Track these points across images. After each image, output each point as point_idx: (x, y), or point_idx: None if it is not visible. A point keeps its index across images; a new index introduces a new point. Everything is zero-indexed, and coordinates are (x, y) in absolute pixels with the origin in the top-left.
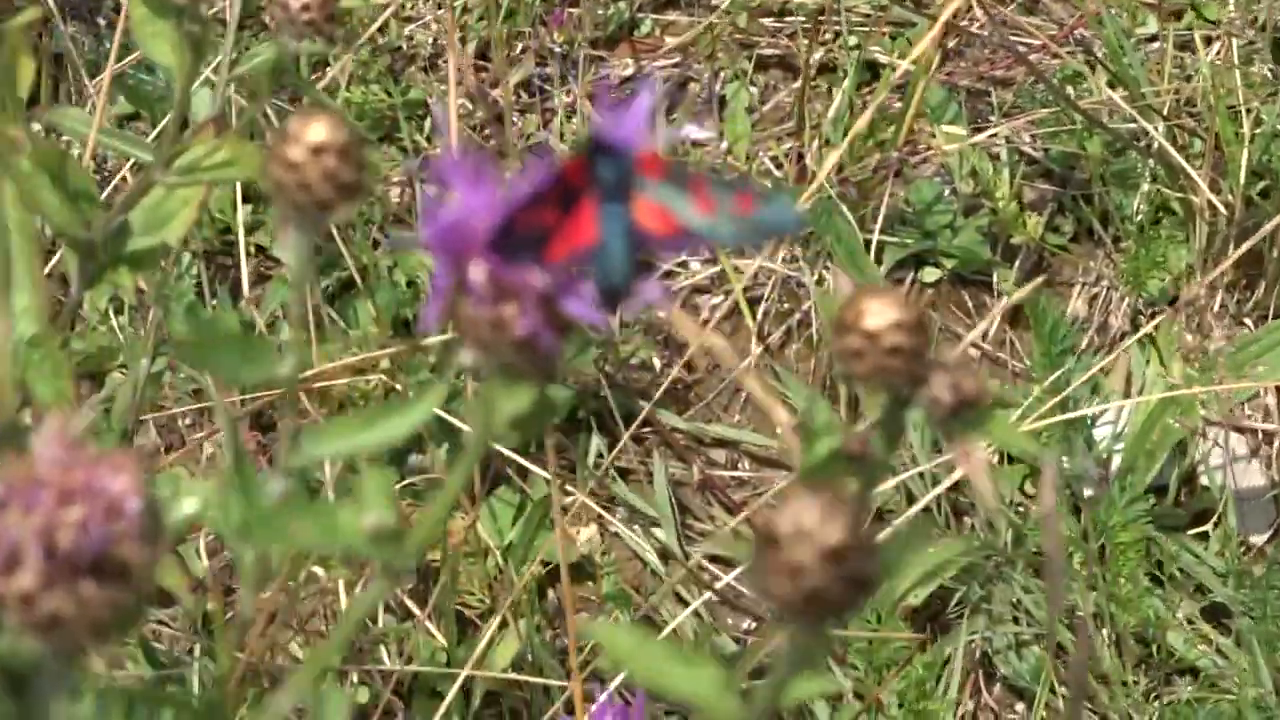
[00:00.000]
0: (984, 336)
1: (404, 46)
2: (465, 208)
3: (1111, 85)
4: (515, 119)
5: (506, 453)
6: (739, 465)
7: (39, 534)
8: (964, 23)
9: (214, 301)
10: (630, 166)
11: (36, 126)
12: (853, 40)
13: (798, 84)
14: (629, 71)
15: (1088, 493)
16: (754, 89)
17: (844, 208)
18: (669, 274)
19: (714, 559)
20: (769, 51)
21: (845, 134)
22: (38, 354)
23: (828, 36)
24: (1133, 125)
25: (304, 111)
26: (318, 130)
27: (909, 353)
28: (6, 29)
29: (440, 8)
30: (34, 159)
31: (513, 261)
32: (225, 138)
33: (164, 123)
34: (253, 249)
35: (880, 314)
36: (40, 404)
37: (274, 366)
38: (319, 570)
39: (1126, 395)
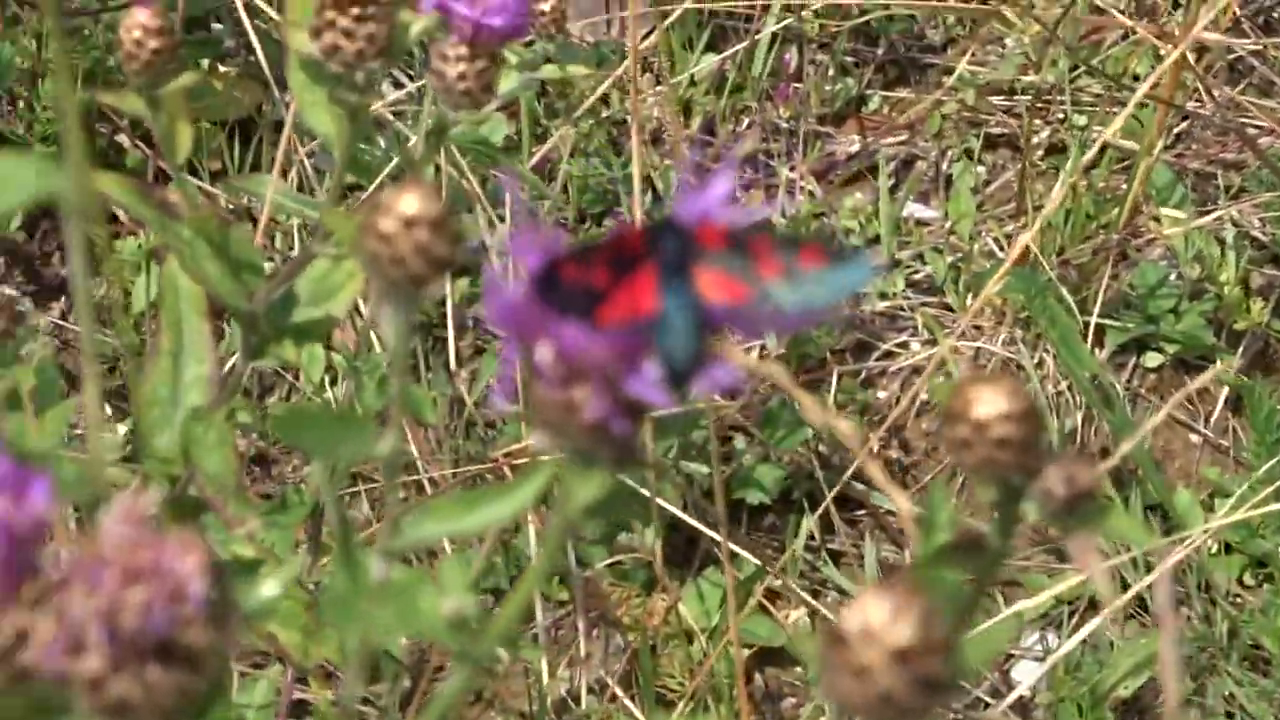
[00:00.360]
0: (1206, 423)
1: (626, 120)
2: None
3: None
4: (740, 194)
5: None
6: None
7: (102, 615)
8: (1195, 104)
9: (428, 375)
10: (691, 238)
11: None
12: (1081, 120)
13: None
14: (855, 148)
15: None
16: (981, 168)
17: (1064, 290)
18: (888, 355)
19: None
20: (997, 130)
21: (1067, 216)
22: (201, 426)
23: (1058, 116)
24: None
25: (400, 183)
26: (410, 202)
27: (1018, 444)
28: (164, 95)
29: (659, 82)
30: (193, 226)
31: (559, 314)
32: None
33: (331, 192)
34: (471, 320)
35: (989, 403)
36: (206, 477)
37: (372, 445)
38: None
39: None
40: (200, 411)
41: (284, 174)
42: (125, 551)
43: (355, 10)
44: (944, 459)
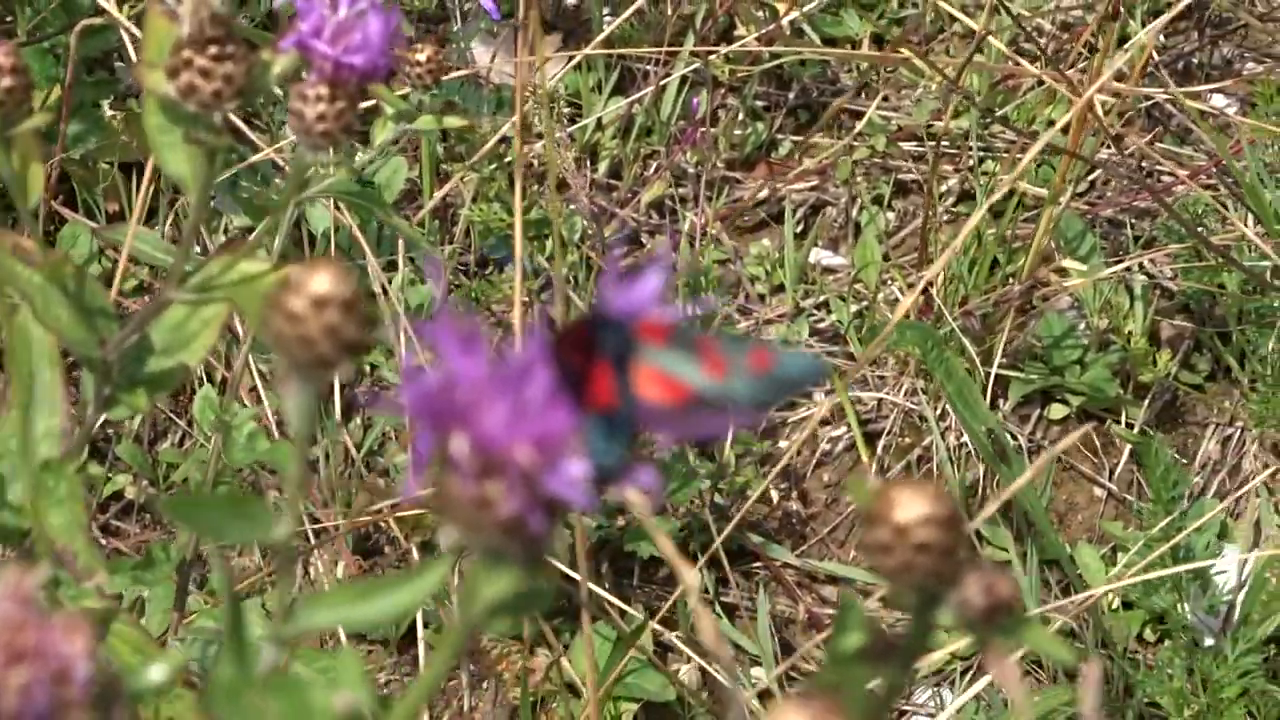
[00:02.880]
0: (1110, 476)
1: (534, 164)
2: (451, 374)
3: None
4: (645, 239)
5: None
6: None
7: None
8: (1109, 152)
9: (323, 424)
10: (629, 334)
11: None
12: (993, 167)
13: (940, 211)
14: (763, 194)
15: (1208, 641)
16: (890, 214)
17: (966, 341)
18: (791, 404)
19: None
20: (909, 177)
21: (972, 265)
22: (51, 479)
23: (968, 164)
24: (1268, 264)
25: (310, 261)
26: (321, 281)
27: (939, 550)
28: (17, 135)
29: (573, 122)
30: (46, 273)
31: (563, 389)
32: (240, 254)
33: (184, 236)
34: (368, 367)
35: (910, 507)
36: (50, 533)
37: (267, 529)
38: None
39: (1255, 543)
40: (51, 464)
41: (153, 217)
42: (8, 631)
43: (213, 50)
44: (843, 511)
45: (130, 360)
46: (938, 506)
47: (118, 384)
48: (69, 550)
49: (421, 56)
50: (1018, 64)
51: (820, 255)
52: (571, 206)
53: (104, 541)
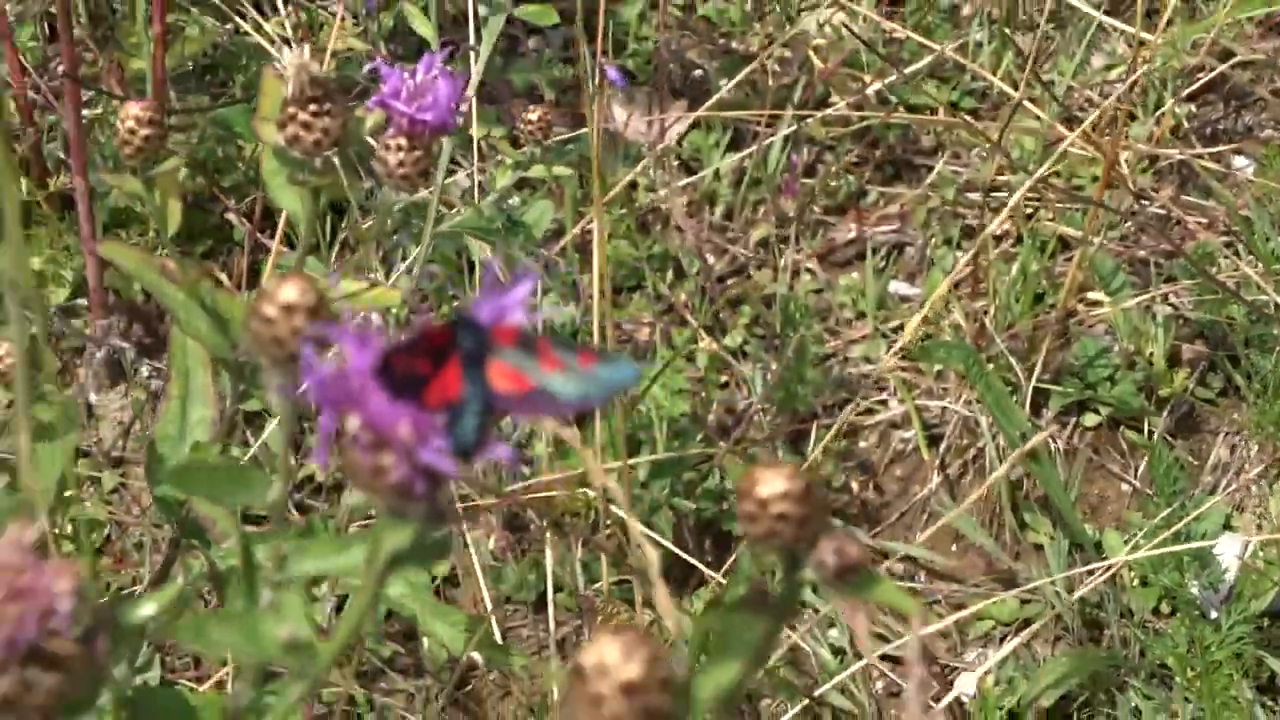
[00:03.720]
0: (1134, 474)
1: (659, 208)
2: (348, 364)
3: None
4: (752, 271)
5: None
6: (915, 578)
7: None
8: (1144, 203)
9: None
10: (486, 337)
11: None
12: (1044, 215)
13: (998, 251)
14: (852, 235)
15: (1213, 615)
16: (958, 253)
17: (1013, 360)
18: (869, 410)
19: (883, 658)
20: (974, 222)
21: (1018, 298)
22: (201, 458)
23: (1026, 211)
24: (1266, 298)
25: (282, 275)
26: (289, 291)
27: (796, 519)
28: (157, 175)
29: (693, 173)
30: (187, 290)
31: (396, 398)
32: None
33: (298, 258)
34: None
35: (770, 484)
36: (197, 503)
37: (262, 494)
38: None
39: (1259, 530)
40: (200, 446)
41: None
42: (8, 575)
43: (313, 107)
44: (911, 500)
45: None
46: (794, 483)
47: (250, 382)
48: (209, 518)
49: (533, 116)
50: (1058, 129)
51: (897, 287)
52: (687, 244)
53: (298, 517)
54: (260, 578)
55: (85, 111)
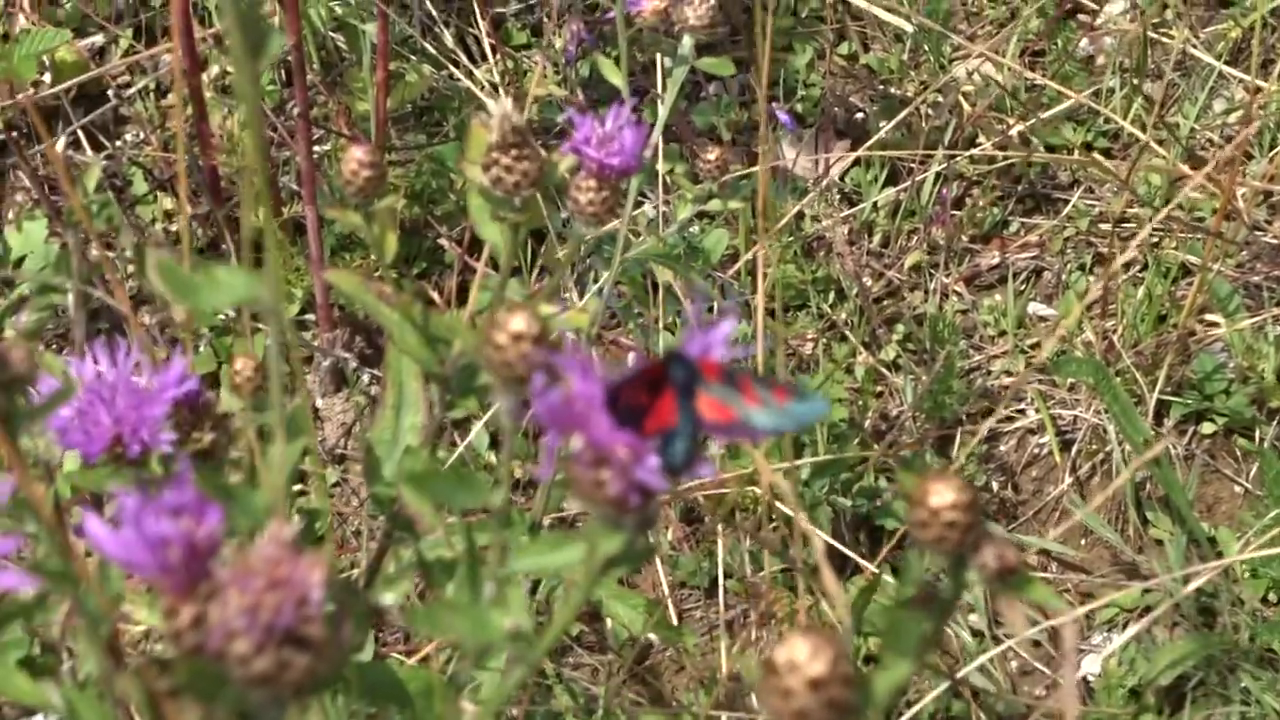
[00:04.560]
0: (1247, 478)
1: (823, 237)
2: (573, 391)
3: None
4: (904, 295)
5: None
6: (1049, 569)
7: (249, 611)
8: (1260, 233)
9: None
10: (695, 372)
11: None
12: (1169, 243)
13: (1126, 276)
14: (995, 261)
15: None
16: (1091, 278)
17: (1138, 374)
18: (1008, 418)
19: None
20: (1105, 250)
21: (1143, 318)
22: (413, 460)
23: (1154, 240)
24: None
25: (510, 305)
26: (518, 321)
27: (963, 527)
28: (376, 210)
29: (854, 205)
30: (400, 311)
31: (621, 426)
32: (539, 297)
33: (499, 284)
34: None
35: (941, 495)
36: (407, 500)
37: (486, 497)
38: None
39: None
40: (411, 449)
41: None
42: (269, 566)
43: (514, 152)
44: (1045, 499)
45: (464, 375)
46: (962, 495)
47: (456, 392)
48: (419, 514)
49: (711, 156)
50: (1181, 168)
51: (1035, 308)
52: (843, 264)
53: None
54: (482, 571)
55: (316, 148)
